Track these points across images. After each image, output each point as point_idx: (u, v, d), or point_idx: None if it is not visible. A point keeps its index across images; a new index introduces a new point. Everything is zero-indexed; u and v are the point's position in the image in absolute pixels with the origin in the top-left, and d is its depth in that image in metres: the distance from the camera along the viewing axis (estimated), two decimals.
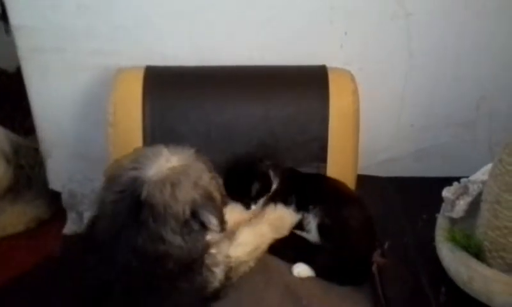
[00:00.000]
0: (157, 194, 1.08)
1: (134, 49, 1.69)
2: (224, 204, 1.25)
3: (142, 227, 1.08)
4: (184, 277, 1.14)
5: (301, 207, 1.44)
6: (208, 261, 1.19)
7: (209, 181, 1.18)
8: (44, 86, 1.75)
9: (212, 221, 1.13)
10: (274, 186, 1.49)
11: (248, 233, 1.35)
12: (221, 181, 1.28)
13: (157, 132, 1.57)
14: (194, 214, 1.12)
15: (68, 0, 1.63)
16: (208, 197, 1.15)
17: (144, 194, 1.08)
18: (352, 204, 1.45)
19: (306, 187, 1.50)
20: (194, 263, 1.15)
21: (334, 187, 1.53)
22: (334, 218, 1.39)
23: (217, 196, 1.18)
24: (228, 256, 1.26)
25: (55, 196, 1.90)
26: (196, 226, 1.12)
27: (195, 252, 1.14)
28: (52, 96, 1.77)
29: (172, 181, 1.10)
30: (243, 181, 1.46)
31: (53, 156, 1.87)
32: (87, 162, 1.84)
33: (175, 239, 1.10)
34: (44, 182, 1.93)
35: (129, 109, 1.57)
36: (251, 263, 1.33)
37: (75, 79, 1.74)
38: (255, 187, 1.46)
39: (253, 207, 1.46)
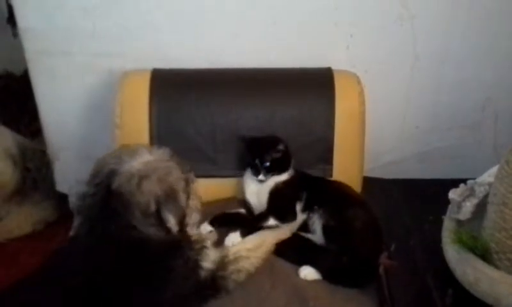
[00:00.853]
0: (125, 184, 1.15)
1: (140, 52, 1.71)
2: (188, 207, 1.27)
3: (113, 215, 1.15)
4: (173, 253, 1.18)
5: (306, 207, 1.45)
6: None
7: (177, 180, 1.22)
8: (51, 89, 1.77)
9: (170, 220, 1.17)
10: (286, 176, 1.50)
11: None
12: (194, 183, 1.31)
13: (163, 134, 1.58)
14: (158, 209, 1.17)
15: (74, 4, 1.65)
16: (171, 195, 1.19)
17: (115, 184, 1.16)
18: (357, 206, 1.45)
19: (312, 188, 1.50)
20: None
21: (339, 189, 1.53)
22: (338, 220, 1.40)
23: (181, 196, 1.22)
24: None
25: (62, 198, 1.91)
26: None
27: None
28: (58, 98, 1.78)
29: (140, 174, 1.17)
30: (263, 145, 1.50)
31: (60, 158, 1.88)
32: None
33: (147, 229, 1.16)
34: (51, 184, 1.94)
35: (136, 111, 1.58)
36: (253, 260, 1.33)
37: (81, 81, 1.76)
38: (272, 154, 1.48)
39: (261, 177, 1.47)
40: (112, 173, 1.18)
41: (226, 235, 1.41)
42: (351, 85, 1.62)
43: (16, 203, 1.95)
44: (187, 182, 1.26)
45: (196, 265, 1.22)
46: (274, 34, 1.69)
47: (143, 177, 1.16)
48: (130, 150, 1.24)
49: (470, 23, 1.69)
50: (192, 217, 1.28)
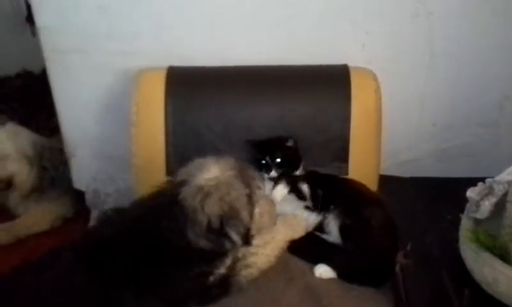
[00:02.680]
0: (190, 199, 1.26)
1: (155, 50, 1.72)
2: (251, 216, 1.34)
3: (172, 220, 1.25)
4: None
5: (322, 207, 1.44)
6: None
7: (238, 197, 1.29)
8: (68, 87, 1.79)
9: (234, 237, 1.28)
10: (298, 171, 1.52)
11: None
12: (260, 190, 1.39)
13: (179, 131, 1.58)
14: (222, 227, 1.26)
15: (91, 3, 1.66)
16: (233, 214, 1.27)
17: (181, 195, 1.27)
18: (373, 204, 1.44)
19: (327, 187, 1.50)
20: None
21: (354, 188, 1.52)
22: (355, 219, 1.39)
23: (243, 213, 1.29)
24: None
25: (79, 195, 1.93)
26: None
27: (218, 250, 1.27)
28: (75, 96, 1.80)
29: (204, 192, 1.26)
30: (273, 143, 1.52)
31: (77, 156, 1.90)
32: (110, 161, 1.86)
33: (199, 241, 1.25)
34: (68, 181, 1.97)
35: (151, 109, 1.59)
36: (262, 257, 1.34)
37: (98, 80, 1.78)
38: (283, 150, 1.49)
39: (273, 173, 1.48)
40: (182, 184, 1.29)
41: None
42: (367, 82, 1.60)
43: (34, 201, 1.98)
44: (250, 196, 1.33)
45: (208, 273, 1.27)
46: (289, 32, 1.69)
47: (205, 196, 1.26)
48: (200, 162, 1.34)
49: (488, 19, 1.67)
50: (258, 223, 1.36)
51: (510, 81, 1.77)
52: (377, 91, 1.59)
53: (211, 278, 1.26)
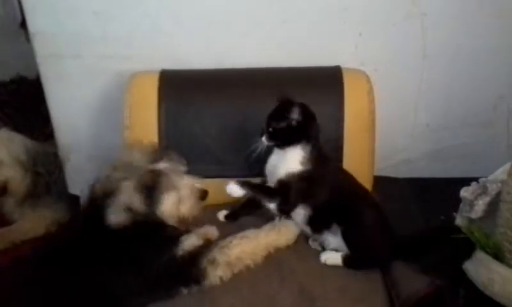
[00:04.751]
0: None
1: (148, 53, 1.72)
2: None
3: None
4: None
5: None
6: None
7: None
8: (62, 91, 1.79)
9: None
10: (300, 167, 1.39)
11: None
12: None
13: (172, 134, 1.59)
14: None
15: (84, 8, 1.66)
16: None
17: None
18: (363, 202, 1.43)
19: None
20: None
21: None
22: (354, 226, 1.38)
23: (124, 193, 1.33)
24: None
25: (74, 200, 1.92)
26: None
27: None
28: (69, 101, 1.80)
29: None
30: (277, 110, 1.40)
31: (71, 160, 1.90)
32: (105, 165, 1.85)
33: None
34: (63, 186, 1.96)
35: (145, 112, 1.59)
36: (237, 250, 1.34)
37: (91, 84, 1.78)
38: (278, 123, 1.37)
39: (263, 139, 1.39)
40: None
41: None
42: (360, 83, 1.60)
43: (29, 206, 1.97)
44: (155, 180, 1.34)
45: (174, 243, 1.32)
46: (283, 34, 1.69)
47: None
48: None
49: (481, 20, 1.67)
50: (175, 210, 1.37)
51: (504, 81, 1.77)
52: (370, 92, 1.59)
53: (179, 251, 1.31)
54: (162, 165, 1.38)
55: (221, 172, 1.60)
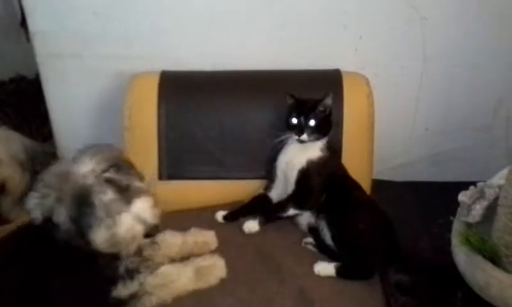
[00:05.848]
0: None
1: (149, 54, 1.72)
2: None
3: None
4: None
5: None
6: None
7: None
8: (61, 91, 1.79)
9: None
10: (320, 153, 1.46)
11: (169, 267, 1.31)
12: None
13: (172, 136, 1.59)
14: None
15: (84, 7, 1.67)
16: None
17: None
18: (362, 208, 1.44)
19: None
20: None
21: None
22: (345, 229, 1.39)
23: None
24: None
25: None
26: None
27: None
28: (69, 100, 1.81)
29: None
30: (310, 104, 1.45)
31: None
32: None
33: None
34: None
35: (145, 113, 1.59)
36: (155, 300, 1.24)
37: (91, 84, 1.78)
38: (318, 113, 1.43)
39: (304, 137, 1.41)
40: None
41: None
42: (359, 87, 1.61)
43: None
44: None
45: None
46: (282, 37, 1.69)
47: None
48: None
49: (481, 24, 1.68)
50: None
51: (503, 85, 1.78)
52: (370, 96, 1.60)
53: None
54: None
55: (220, 173, 1.60)
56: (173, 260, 1.34)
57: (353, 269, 1.35)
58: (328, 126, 1.47)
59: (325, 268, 1.35)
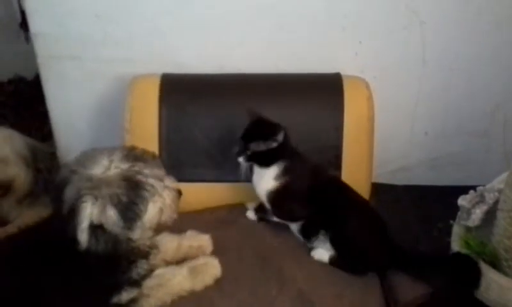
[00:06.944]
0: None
1: (149, 57, 1.72)
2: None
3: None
4: None
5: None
6: None
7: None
8: (61, 93, 1.79)
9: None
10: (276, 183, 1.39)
11: (164, 268, 1.31)
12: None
13: (172, 138, 1.58)
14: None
15: (85, 9, 1.66)
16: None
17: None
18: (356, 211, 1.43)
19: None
20: None
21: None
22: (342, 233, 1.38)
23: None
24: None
25: None
26: None
27: None
28: (69, 102, 1.80)
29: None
30: (257, 131, 1.39)
31: None
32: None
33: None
34: None
35: (145, 116, 1.59)
36: (153, 302, 1.25)
37: (92, 86, 1.78)
38: (258, 145, 1.35)
39: (241, 160, 1.37)
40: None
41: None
42: (359, 90, 1.61)
43: (27, 205, 1.96)
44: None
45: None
46: (282, 40, 1.70)
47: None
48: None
49: (479, 29, 1.69)
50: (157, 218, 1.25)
51: (501, 90, 1.79)
52: (370, 99, 1.60)
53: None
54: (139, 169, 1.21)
55: (221, 176, 1.60)
56: (168, 263, 1.35)
57: (346, 263, 1.36)
58: (272, 159, 1.38)
59: (321, 254, 1.38)
